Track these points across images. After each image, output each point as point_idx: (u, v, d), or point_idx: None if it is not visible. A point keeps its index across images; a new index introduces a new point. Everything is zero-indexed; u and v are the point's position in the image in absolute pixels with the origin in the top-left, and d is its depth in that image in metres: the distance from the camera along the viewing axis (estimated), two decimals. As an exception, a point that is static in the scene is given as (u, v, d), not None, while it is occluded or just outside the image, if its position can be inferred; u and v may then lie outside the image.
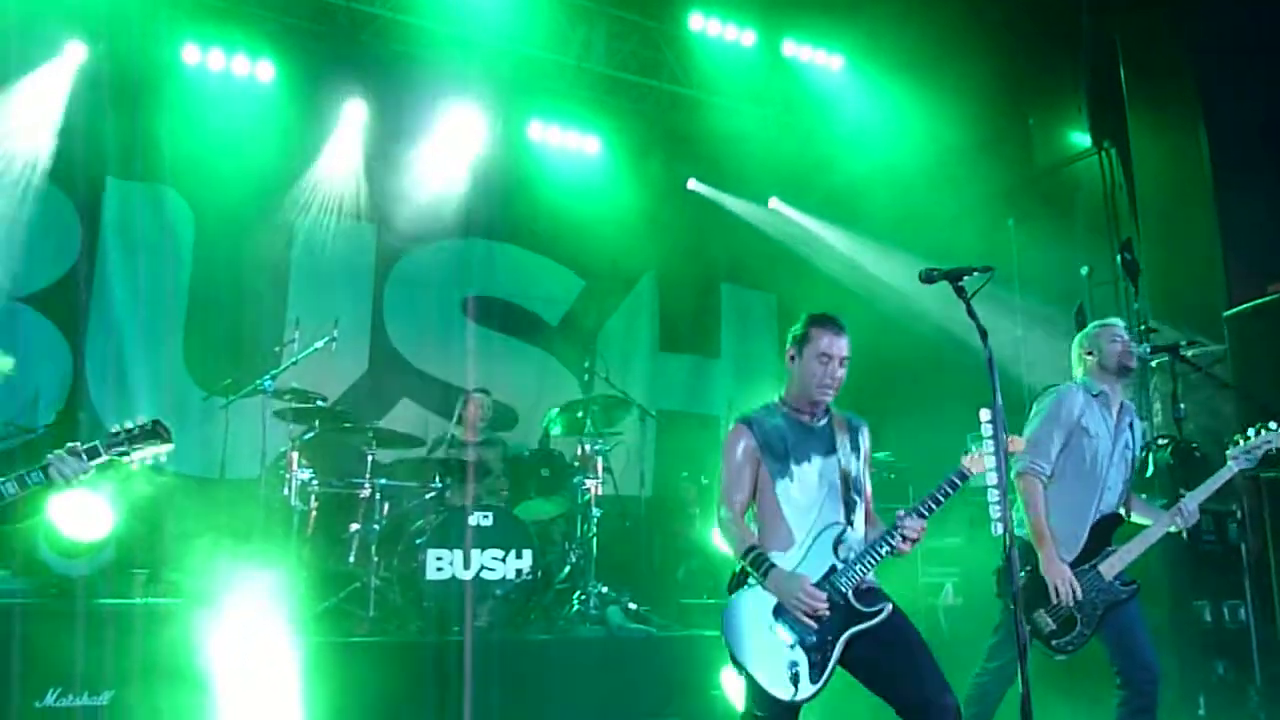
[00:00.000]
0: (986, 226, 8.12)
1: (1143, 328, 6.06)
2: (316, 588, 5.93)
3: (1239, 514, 6.12)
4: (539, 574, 6.25)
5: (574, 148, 9.40)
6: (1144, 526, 4.27)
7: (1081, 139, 8.33)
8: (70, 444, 3.29)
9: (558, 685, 5.57)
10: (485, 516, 6.09)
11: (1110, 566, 4.13)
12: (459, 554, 5.94)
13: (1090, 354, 4.40)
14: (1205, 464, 5.86)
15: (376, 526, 6.23)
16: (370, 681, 5.02)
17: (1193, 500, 4.19)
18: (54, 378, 7.32)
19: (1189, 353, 5.36)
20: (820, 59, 9.44)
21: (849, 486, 3.51)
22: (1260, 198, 6.62)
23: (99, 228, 7.64)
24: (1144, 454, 5.77)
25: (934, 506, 3.33)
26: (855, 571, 3.30)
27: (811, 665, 3.24)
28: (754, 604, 3.36)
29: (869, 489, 3.65)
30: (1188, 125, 7.14)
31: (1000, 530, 3.01)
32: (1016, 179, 8.65)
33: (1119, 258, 6.58)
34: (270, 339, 7.42)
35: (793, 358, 3.61)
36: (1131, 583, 4.16)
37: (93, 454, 3.29)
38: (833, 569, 3.32)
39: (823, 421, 3.62)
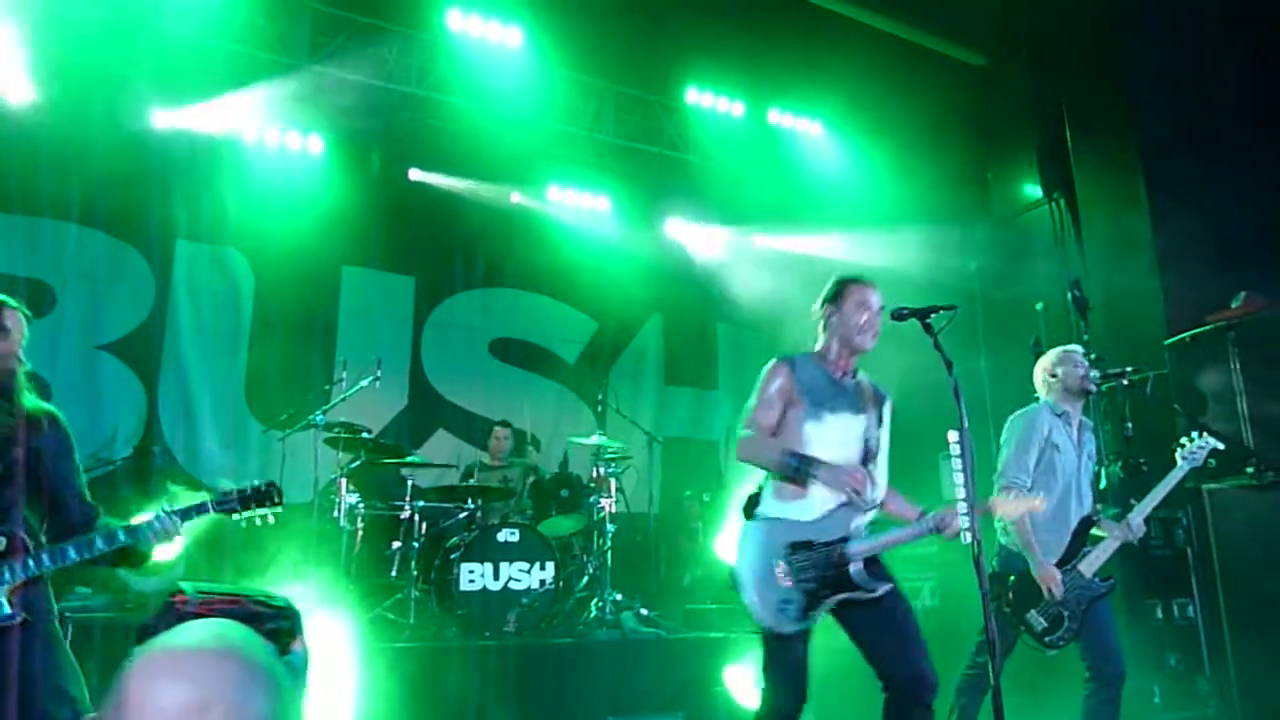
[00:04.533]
0: (950, 269, 8.13)
1: (1092, 356, 6.04)
2: (364, 599, 5.91)
3: (1184, 521, 6.07)
4: (560, 584, 6.23)
5: (587, 207, 9.46)
6: (1103, 537, 4.25)
7: (1034, 191, 8.36)
8: (169, 509, 2.97)
9: (578, 683, 5.53)
10: (512, 533, 6.09)
11: (1089, 565, 4.11)
12: (489, 567, 5.93)
13: (1054, 377, 4.39)
14: (1151, 477, 5.83)
15: (416, 544, 6.22)
16: (413, 682, 4.98)
17: (1137, 515, 4.20)
18: (130, 416, 7.34)
19: (1134, 378, 5.33)
20: (802, 125, 9.52)
21: (868, 455, 3.33)
22: (1194, 238, 6.63)
23: (170, 283, 7.71)
24: (1098, 469, 5.74)
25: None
26: (869, 544, 3.17)
27: (800, 608, 3.12)
28: (768, 536, 3.21)
29: (885, 457, 3.43)
30: (1128, 176, 7.15)
31: (969, 539, 2.98)
32: (977, 227, 8.67)
33: (1069, 295, 6.57)
34: (321, 379, 7.45)
35: (830, 314, 3.39)
36: (1109, 578, 4.13)
37: (201, 511, 3.03)
38: (844, 538, 3.18)
39: (852, 382, 3.41)
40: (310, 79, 7.87)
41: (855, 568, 3.16)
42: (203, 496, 3.10)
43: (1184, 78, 6.83)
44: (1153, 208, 6.96)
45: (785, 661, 3.19)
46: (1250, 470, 5.31)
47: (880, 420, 3.41)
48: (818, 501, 3.23)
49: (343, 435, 6.32)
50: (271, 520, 3.21)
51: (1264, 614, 5.33)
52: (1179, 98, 6.90)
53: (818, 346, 3.47)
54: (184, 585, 1.19)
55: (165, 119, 7.60)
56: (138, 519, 2.96)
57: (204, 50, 7.33)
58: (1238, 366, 5.80)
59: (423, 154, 8.68)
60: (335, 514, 6.14)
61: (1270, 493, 5.09)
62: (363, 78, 7.99)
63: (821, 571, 3.15)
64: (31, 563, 2.80)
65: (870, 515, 3.30)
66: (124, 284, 7.54)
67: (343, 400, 6.56)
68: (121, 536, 2.92)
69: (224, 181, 7.83)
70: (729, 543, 7.57)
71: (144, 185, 7.54)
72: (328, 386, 6.99)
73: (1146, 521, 4.25)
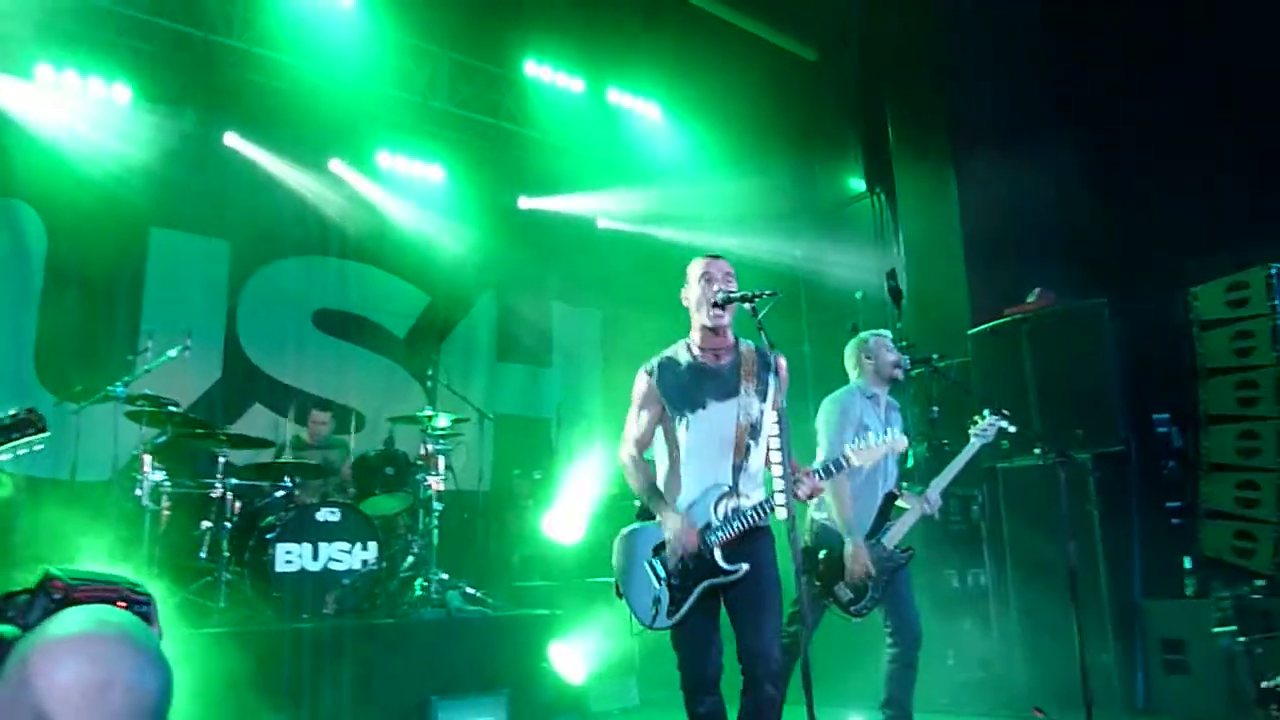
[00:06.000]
0: (776, 257, 8.46)
1: (903, 343, 6.43)
2: (168, 582, 5.60)
3: (979, 498, 6.59)
4: (384, 564, 6.13)
5: (419, 176, 9.22)
6: (905, 509, 4.56)
7: (857, 184, 8.80)
8: None
9: (401, 663, 5.47)
10: (332, 512, 5.95)
11: (891, 538, 4.40)
12: (308, 547, 5.77)
13: (868, 359, 4.65)
14: (954, 457, 6.30)
15: (228, 524, 5.95)
16: (223, 668, 4.76)
17: (935, 489, 4.52)
18: (-103, 384, 6.65)
19: (940, 364, 5.71)
20: (640, 106, 9.63)
21: (746, 431, 3.37)
22: (999, 233, 7.15)
23: (-54, 239, 7.00)
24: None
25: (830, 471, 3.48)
26: (724, 531, 3.32)
27: (671, 602, 3.33)
28: (641, 541, 3.44)
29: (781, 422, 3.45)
30: (942, 176, 7.64)
31: (785, 515, 3.14)
32: (803, 217, 9.05)
33: (885, 285, 6.96)
34: (123, 348, 6.95)
35: (687, 299, 3.53)
36: (908, 549, 4.43)
37: None
38: (708, 525, 3.34)
39: (727, 360, 3.46)
40: (116, 23, 7.30)
41: (716, 554, 3.33)
42: None
43: (996, 77, 7.33)
44: (962, 204, 7.46)
45: (684, 642, 3.39)
46: (1037, 451, 5.81)
47: (764, 391, 3.44)
48: (687, 494, 3.43)
49: (147, 409, 5.94)
50: (39, 448, 2.89)
51: (1045, 580, 5.87)
52: (992, 97, 7.39)
53: (689, 335, 3.58)
54: (55, 570, 1.23)
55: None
56: None
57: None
58: (1028, 357, 6.32)
59: (242, 110, 8.18)
60: (137, 492, 5.77)
61: (1054, 471, 5.58)
62: (176, 24, 7.49)
63: (684, 565, 3.31)
64: None
65: (752, 495, 3.42)
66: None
67: (148, 371, 6.16)
68: None
69: (10, 127, 7.14)
70: (561, 522, 7.68)
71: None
72: (131, 356, 6.54)
73: (945, 496, 4.58)
